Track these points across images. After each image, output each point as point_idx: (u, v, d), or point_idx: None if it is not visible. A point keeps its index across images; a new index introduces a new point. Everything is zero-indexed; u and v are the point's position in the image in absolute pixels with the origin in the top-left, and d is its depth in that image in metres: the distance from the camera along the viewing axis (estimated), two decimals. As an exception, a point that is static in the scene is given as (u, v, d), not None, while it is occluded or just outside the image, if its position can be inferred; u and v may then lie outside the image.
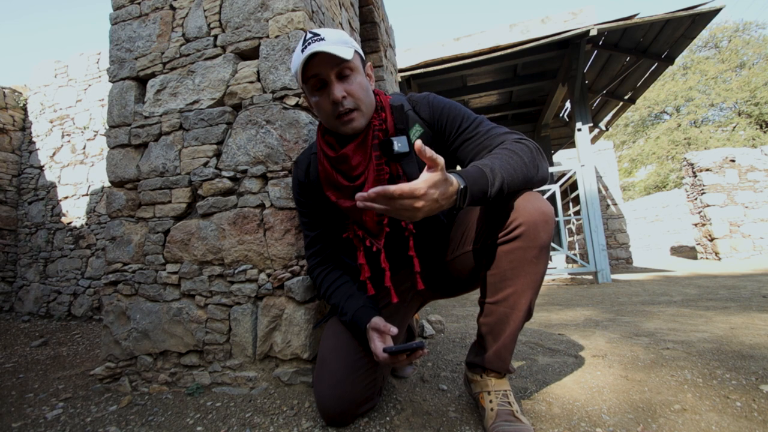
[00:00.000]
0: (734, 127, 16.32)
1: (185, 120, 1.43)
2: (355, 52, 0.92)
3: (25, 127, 4.56)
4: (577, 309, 2.52)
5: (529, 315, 0.90)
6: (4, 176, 4.34)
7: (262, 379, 1.24)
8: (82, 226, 4.03)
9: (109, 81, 1.60)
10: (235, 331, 1.28)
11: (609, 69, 5.37)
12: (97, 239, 3.92)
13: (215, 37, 1.45)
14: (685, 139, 16.65)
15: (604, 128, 6.98)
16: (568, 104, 6.55)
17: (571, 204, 7.27)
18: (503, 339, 0.92)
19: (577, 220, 7.33)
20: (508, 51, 4.45)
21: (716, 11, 3.96)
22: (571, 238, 8.28)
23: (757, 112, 15.56)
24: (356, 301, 0.98)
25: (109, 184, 1.54)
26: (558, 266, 6.21)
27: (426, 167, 0.70)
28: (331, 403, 0.93)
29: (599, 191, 7.88)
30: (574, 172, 4.68)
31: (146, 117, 1.51)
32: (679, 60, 15.00)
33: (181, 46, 1.49)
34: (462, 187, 0.74)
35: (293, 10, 1.34)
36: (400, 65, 5.10)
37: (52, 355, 2.27)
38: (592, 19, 4.52)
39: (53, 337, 2.96)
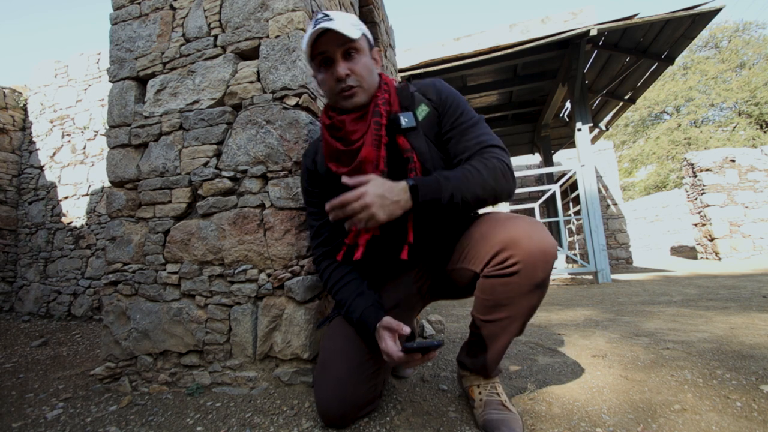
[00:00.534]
0: (734, 127, 16.31)
1: (185, 120, 1.43)
2: (363, 34, 0.95)
3: (25, 127, 4.56)
4: (577, 309, 2.52)
5: (519, 333, 0.93)
6: (5, 176, 4.35)
7: (262, 379, 1.24)
8: (82, 226, 4.03)
9: (109, 81, 1.60)
10: (235, 331, 1.28)
11: (609, 69, 5.37)
12: (97, 239, 3.92)
13: (215, 37, 1.45)
14: (685, 139, 16.65)
15: (604, 128, 6.98)
16: (568, 104, 6.55)
17: (571, 204, 7.26)
18: (490, 353, 0.94)
19: (577, 220, 7.33)
20: (508, 51, 4.45)
21: (716, 11, 3.96)
22: (571, 238, 8.28)
23: (757, 112, 15.56)
24: (365, 299, 0.97)
25: (109, 184, 1.55)
26: (558, 266, 6.21)
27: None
28: (332, 406, 0.92)
29: (599, 191, 7.88)
30: (574, 172, 4.68)
31: (146, 117, 1.51)
32: (679, 60, 15.01)
33: (181, 46, 1.49)
34: (411, 184, 0.82)
35: (293, 10, 1.35)
36: (400, 65, 5.10)
37: (52, 355, 2.27)
38: (592, 19, 4.52)
39: (53, 337, 2.96)
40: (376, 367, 0.96)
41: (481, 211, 1.01)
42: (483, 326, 0.92)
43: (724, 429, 0.83)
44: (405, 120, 0.95)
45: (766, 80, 14.95)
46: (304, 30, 1.34)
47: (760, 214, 6.66)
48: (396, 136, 0.95)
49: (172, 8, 1.54)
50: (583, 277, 4.76)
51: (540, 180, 7.65)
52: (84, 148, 4.16)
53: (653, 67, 5.12)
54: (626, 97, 5.99)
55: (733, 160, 6.87)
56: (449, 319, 2.29)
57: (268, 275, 1.27)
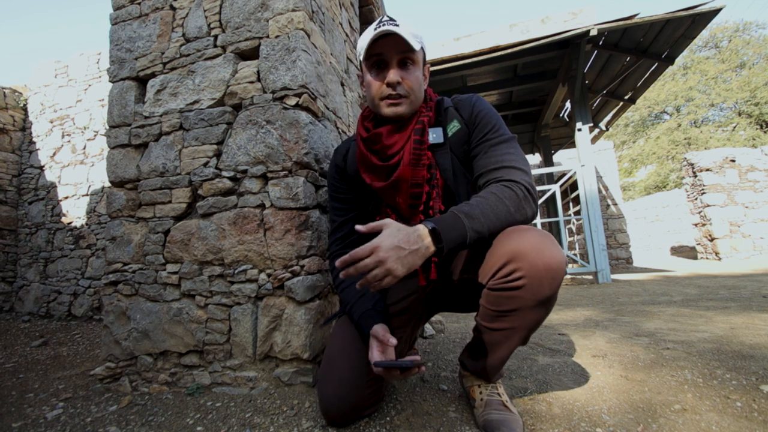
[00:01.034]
0: (734, 127, 16.31)
1: (185, 120, 1.43)
2: (422, 48, 0.94)
3: (25, 127, 4.56)
4: (577, 309, 2.52)
5: (523, 343, 0.91)
6: (5, 176, 4.35)
7: (262, 379, 1.24)
8: (82, 226, 4.03)
9: (110, 81, 1.60)
10: (236, 331, 1.28)
11: (609, 69, 5.37)
12: (97, 239, 3.92)
13: (215, 37, 1.45)
14: (685, 139, 16.65)
15: (604, 128, 6.97)
16: (568, 104, 6.55)
17: (571, 204, 7.26)
18: (492, 359, 0.93)
19: (577, 220, 7.33)
20: (508, 51, 4.45)
21: (716, 11, 3.96)
22: (571, 238, 8.27)
23: (758, 112, 15.55)
24: (365, 302, 0.97)
25: (110, 184, 1.54)
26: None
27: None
28: (333, 404, 0.92)
29: (599, 191, 7.88)
30: (574, 172, 4.68)
31: (146, 117, 1.51)
32: (679, 60, 15.03)
33: (181, 46, 1.49)
34: (431, 228, 0.75)
35: (293, 10, 1.35)
36: (400, 65, 5.09)
37: (52, 355, 2.27)
38: (592, 19, 4.52)
39: (53, 337, 2.96)
40: None
41: None
42: (486, 332, 0.91)
43: (724, 429, 0.83)
44: (433, 135, 0.95)
45: (766, 80, 14.95)
46: (304, 30, 1.34)
47: (760, 214, 6.66)
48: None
49: (172, 8, 1.54)
50: (583, 277, 4.76)
51: (540, 180, 7.65)
52: (84, 148, 4.16)
53: (653, 67, 5.12)
54: (626, 97, 5.99)
55: (733, 160, 6.87)
56: (449, 319, 2.29)
57: (268, 275, 1.27)
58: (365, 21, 2.72)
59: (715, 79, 16.62)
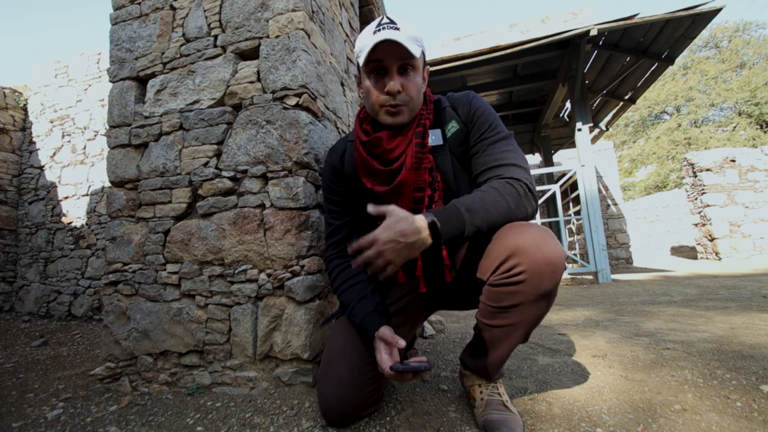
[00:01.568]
0: (734, 127, 16.31)
1: (185, 120, 1.43)
2: (422, 52, 0.92)
3: (25, 127, 4.56)
4: (577, 309, 2.52)
5: (524, 340, 0.91)
6: (5, 176, 4.35)
7: (262, 379, 1.24)
8: (82, 226, 4.03)
9: (110, 81, 1.60)
10: (236, 331, 1.28)
11: (609, 69, 5.37)
12: (97, 239, 3.92)
13: (215, 37, 1.45)
14: (685, 139, 16.65)
15: (604, 128, 6.98)
16: (568, 104, 6.55)
17: (571, 204, 7.27)
18: (493, 356, 0.93)
19: (578, 220, 7.33)
20: (508, 51, 4.45)
21: (716, 11, 3.96)
22: (571, 238, 8.27)
23: (758, 112, 15.55)
24: (367, 304, 0.96)
25: (110, 184, 1.54)
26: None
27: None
28: (333, 405, 0.92)
29: (599, 191, 7.88)
30: (575, 172, 4.68)
31: (146, 117, 1.51)
32: (680, 60, 15.01)
33: (181, 46, 1.49)
34: (430, 221, 0.77)
35: (293, 11, 1.35)
36: (400, 65, 5.09)
37: (52, 355, 2.27)
38: (592, 19, 4.52)
39: (53, 337, 2.96)
40: (377, 371, 0.96)
41: None
42: (486, 330, 0.91)
43: (724, 429, 0.83)
44: (432, 138, 0.95)
45: (766, 80, 14.95)
46: (304, 30, 1.34)
47: (760, 214, 6.66)
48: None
49: (172, 8, 1.54)
50: (583, 277, 4.76)
51: (540, 180, 7.65)
52: (84, 148, 4.16)
53: (653, 67, 5.12)
54: (626, 97, 5.99)
55: (734, 160, 6.87)
56: (449, 319, 2.29)
57: (268, 275, 1.27)
58: (365, 21, 2.72)
59: (715, 79, 16.63)
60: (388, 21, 0.88)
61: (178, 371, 1.35)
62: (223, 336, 1.29)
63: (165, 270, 1.40)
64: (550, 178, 7.28)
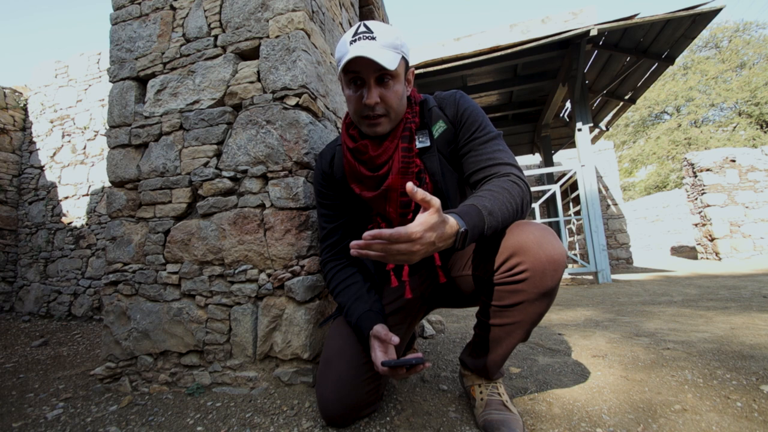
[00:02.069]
0: (735, 127, 16.31)
1: (185, 120, 1.43)
2: (402, 58, 0.90)
3: (25, 127, 4.56)
4: (577, 309, 2.52)
5: (525, 339, 0.91)
6: (5, 176, 4.35)
7: (262, 379, 1.24)
8: (82, 226, 4.03)
9: (110, 81, 1.60)
10: (236, 331, 1.28)
11: (609, 69, 5.37)
12: (97, 239, 3.92)
13: (215, 37, 1.45)
14: (685, 139, 16.65)
15: (604, 128, 6.97)
16: (568, 104, 6.55)
17: (571, 204, 7.26)
18: (494, 355, 0.93)
19: (578, 220, 7.32)
20: (509, 51, 4.45)
21: (716, 11, 3.96)
22: (572, 238, 8.27)
23: (758, 112, 15.55)
24: (362, 304, 0.97)
25: (110, 184, 1.55)
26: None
27: (421, 209, 0.69)
28: (331, 405, 0.93)
29: (599, 191, 7.88)
30: (575, 172, 4.68)
31: (146, 117, 1.51)
32: (680, 60, 15.02)
33: (181, 46, 1.49)
34: (462, 230, 0.72)
35: (293, 11, 1.35)
36: (401, 65, 5.08)
37: (52, 355, 2.27)
38: (592, 19, 4.51)
39: (53, 337, 2.96)
40: (375, 370, 0.96)
41: None
42: (487, 329, 0.91)
43: (724, 429, 0.83)
44: (420, 140, 0.94)
45: (766, 80, 14.95)
46: (304, 30, 1.34)
47: (760, 214, 6.66)
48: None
49: (173, 8, 1.54)
50: (584, 277, 4.76)
51: (540, 180, 7.65)
52: (84, 148, 4.16)
53: (653, 67, 5.12)
54: (626, 97, 5.99)
55: (734, 160, 6.87)
56: (449, 319, 2.29)
57: (269, 275, 1.27)
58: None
59: (716, 79, 16.63)
60: (364, 30, 0.86)
61: (178, 371, 1.35)
62: (223, 336, 1.29)
63: (165, 270, 1.40)
64: (550, 178, 7.28)
